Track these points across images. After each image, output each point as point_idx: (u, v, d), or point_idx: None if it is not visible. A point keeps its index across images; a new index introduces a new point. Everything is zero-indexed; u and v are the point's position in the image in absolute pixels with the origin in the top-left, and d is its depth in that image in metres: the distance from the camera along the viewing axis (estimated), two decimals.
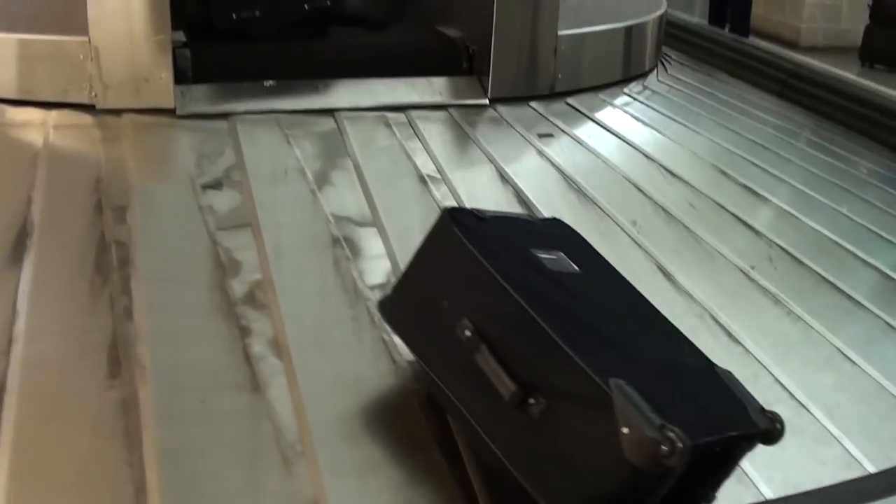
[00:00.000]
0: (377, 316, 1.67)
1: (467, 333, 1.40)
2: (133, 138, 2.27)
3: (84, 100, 2.34)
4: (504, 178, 2.28)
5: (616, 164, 2.48)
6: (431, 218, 1.56)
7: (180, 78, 2.40)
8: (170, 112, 2.35)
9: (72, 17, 2.46)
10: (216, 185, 2.10)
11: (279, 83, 2.50)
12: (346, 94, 2.52)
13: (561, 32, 2.67)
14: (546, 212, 2.06)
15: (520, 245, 1.54)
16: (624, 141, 2.65)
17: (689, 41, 4.10)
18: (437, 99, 2.58)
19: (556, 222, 1.74)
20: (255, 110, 2.41)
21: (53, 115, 2.31)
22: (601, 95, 2.85)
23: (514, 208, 2.13)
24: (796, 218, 2.41)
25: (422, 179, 2.22)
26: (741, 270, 2.09)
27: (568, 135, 2.58)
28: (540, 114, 2.63)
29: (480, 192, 2.20)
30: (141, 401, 1.50)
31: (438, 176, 2.24)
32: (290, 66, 2.56)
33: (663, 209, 2.29)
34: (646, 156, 2.57)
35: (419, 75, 2.63)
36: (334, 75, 2.57)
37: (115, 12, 2.29)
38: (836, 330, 1.93)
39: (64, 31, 2.38)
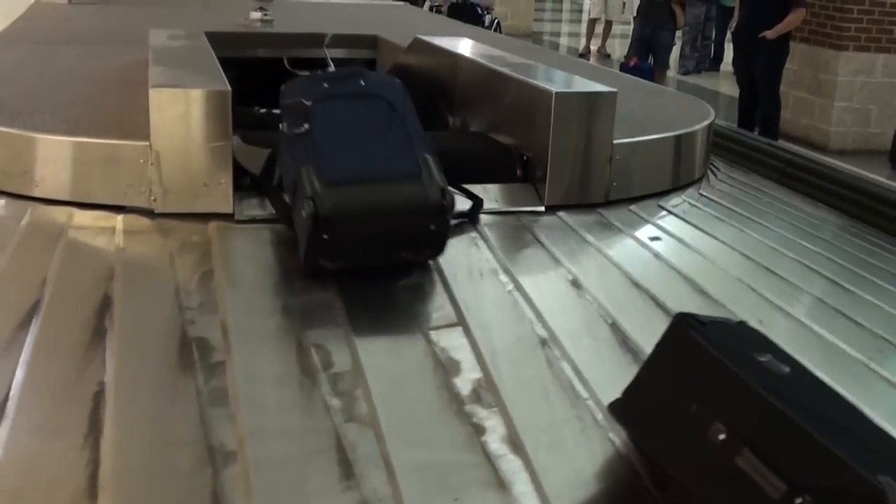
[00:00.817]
0: (599, 415, 1.73)
1: (721, 437, 1.46)
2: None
3: (143, 204, 2.34)
4: (636, 284, 2.32)
5: (720, 264, 2.55)
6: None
7: (237, 184, 2.39)
8: (228, 217, 2.35)
9: (128, 123, 2.49)
10: None
11: None
12: None
13: (616, 141, 2.66)
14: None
15: (741, 349, 1.60)
16: (717, 240, 2.71)
17: (729, 148, 4.11)
18: (494, 206, 2.57)
19: (743, 325, 1.80)
20: None
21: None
22: (671, 200, 2.91)
23: (655, 311, 2.20)
24: (883, 309, 2.46)
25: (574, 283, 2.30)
26: (861, 363, 2.13)
27: (673, 237, 2.65)
28: (641, 218, 2.73)
29: (620, 296, 2.27)
30: (385, 501, 1.52)
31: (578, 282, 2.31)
32: None
33: (777, 306, 2.33)
34: (743, 255, 2.62)
35: (473, 182, 2.62)
36: None
37: (176, 118, 2.30)
38: None
39: (122, 136, 2.41)
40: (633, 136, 2.78)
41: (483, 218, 2.52)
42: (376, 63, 4.59)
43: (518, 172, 2.68)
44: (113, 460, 1.58)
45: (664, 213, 2.78)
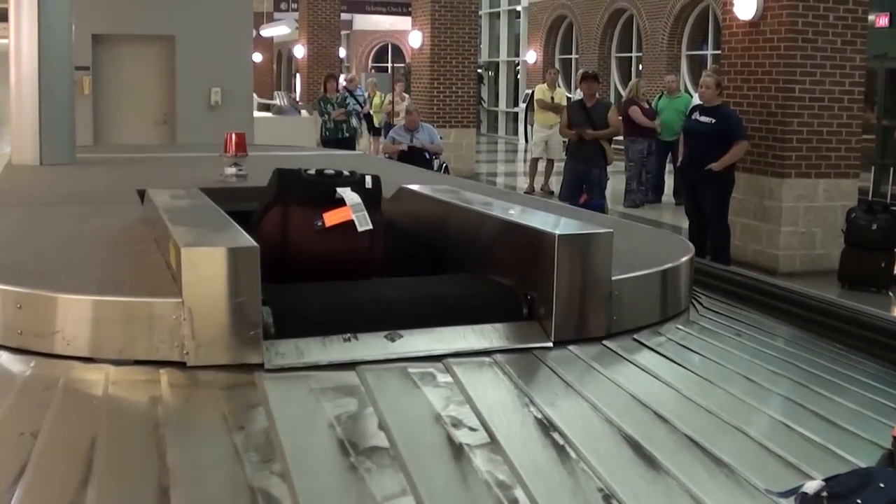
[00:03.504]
0: None
1: None
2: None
3: (176, 357, 2.43)
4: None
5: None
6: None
7: (264, 334, 2.50)
8: (258, 367, 2.45)
9: (153, 281, 2.60)
10: None
11: (355, 335, 2.61)
12: (420, 342, 2.65)
13: (614, 277, 2.82)
14: None
15: None
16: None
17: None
18: (505, 344, 2.70)
19: None
20: (338, 362, 2.51)
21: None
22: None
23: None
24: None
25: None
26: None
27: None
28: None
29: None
30: None
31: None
32: (362, 318, 2.68)
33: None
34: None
35: (481, 322, 2.76)
36: (401, 326, 2.69)
37: (208, 275, 2.41)
38: None
39: (150, 294, 2.51)
40: (627, 273, 2.93)
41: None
42: None
43: (524, 311, 2.82)
44: None
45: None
